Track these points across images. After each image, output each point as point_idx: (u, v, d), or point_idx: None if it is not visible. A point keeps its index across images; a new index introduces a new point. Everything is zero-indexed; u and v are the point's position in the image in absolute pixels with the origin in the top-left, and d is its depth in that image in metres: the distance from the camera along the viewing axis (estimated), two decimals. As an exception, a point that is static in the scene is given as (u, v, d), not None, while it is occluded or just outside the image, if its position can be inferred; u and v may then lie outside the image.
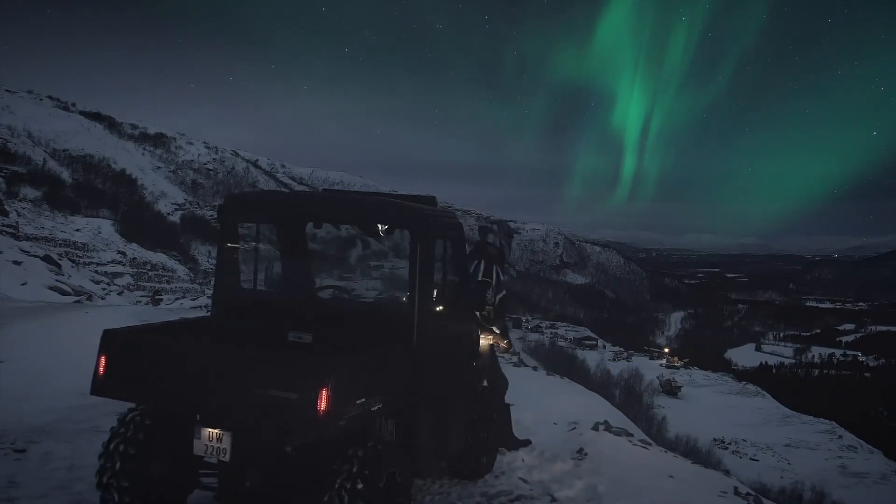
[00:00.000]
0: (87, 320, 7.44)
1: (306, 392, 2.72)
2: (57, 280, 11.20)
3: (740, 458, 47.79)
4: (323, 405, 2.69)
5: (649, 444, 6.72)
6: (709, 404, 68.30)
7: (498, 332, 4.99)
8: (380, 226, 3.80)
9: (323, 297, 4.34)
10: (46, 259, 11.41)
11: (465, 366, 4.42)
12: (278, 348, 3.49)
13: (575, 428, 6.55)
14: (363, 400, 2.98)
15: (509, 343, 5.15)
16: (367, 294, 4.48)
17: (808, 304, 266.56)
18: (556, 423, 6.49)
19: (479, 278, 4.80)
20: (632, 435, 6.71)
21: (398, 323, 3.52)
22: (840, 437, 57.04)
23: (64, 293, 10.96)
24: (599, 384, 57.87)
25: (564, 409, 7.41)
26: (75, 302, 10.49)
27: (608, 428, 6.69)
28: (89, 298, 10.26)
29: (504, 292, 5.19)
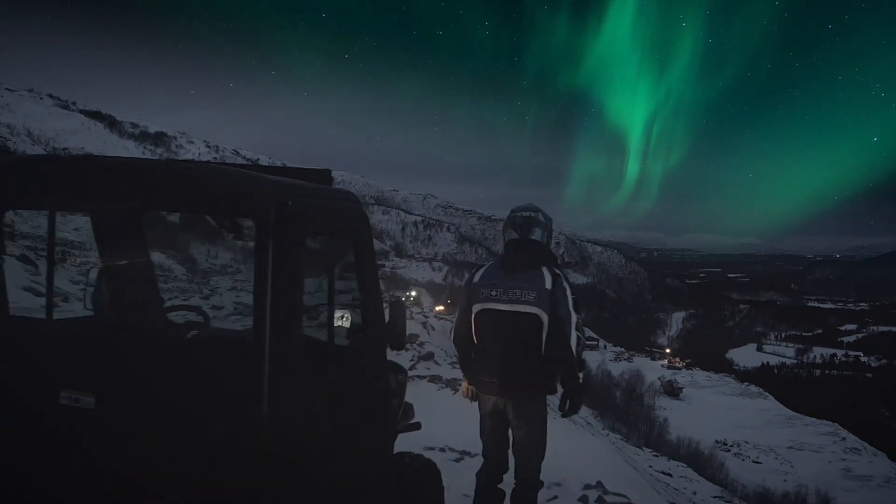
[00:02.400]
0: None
1: None
2: (32, 280, 10.75)
3: (742, 460, 47.36)
4: None
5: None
6: (711, 406, 67.86)
7: (580, 380, 3.06)
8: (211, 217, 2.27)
9: (174, 323, 2.90)
10: (23, 259, 10.93)
11: (374, 432, 2.78)
12: (33, 421, 2.04)
13: (556, 497, 4.87)
14: None
15: (580, 400, 3.13)
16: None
17: (809, 304, 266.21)
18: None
19: (570, 297, 2.96)
20: (633, 506, 5.17)
21: (238, 373, 1.98)
22: (843, 439, 56.59)
23: (38, 294, 10.50)
24: (600, 386, 57.54)
25: (547, 460, 5.74)
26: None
27: (602, 497, 5.00)
28: (65, 300, 9.79)
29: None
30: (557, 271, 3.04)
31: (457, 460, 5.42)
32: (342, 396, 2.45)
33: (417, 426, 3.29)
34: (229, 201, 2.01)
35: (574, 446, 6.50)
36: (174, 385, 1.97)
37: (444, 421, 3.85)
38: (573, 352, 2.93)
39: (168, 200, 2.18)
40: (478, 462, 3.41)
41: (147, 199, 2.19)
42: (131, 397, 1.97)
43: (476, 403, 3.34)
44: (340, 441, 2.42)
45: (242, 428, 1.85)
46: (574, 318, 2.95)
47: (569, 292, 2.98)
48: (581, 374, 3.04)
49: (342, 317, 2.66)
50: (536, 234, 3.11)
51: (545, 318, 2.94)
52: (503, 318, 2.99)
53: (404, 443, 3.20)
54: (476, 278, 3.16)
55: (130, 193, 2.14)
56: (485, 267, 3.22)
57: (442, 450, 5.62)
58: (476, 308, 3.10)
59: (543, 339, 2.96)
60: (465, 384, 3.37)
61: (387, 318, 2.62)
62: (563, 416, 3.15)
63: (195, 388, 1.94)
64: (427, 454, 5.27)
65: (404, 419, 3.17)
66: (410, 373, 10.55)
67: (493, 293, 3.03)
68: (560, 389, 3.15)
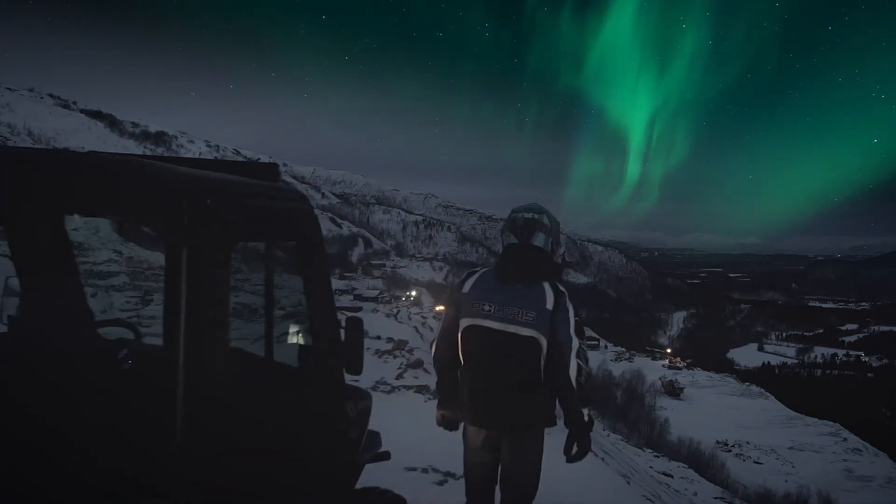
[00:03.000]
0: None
1: None
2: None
3: (744, 461, 47.23)
4: None
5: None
6: (712, 406, 67.76)
7: (586, 417, 2.55)
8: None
9: (104, 340, 2.49)
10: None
11: (325, 466, 2.30)
12: None
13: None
14: None
15: (588, 442, 2.59)
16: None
17: (810, 303, 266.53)
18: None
19: (572, 320, 2.54)
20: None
21: (149, 396, 1.64)
22: (845, 439, 56.48)
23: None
24: (601, 386, 57.48)
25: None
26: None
27: None
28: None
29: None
30: (561, 288, 2.59)
31: (440, 483, 4.95)
32: (284, 425, 2.03)
33: (385, 456, 2.86)
34: (133, 199, 1.61)
35: (568, 465, 5.64)
36: (76, 412, 1.62)
37: (430, 437, 3.35)
38: (572, 382, 2.47)
39: (63, 198, 1.75)
40: (462, 485, 3.03)
41: (43, 196, 1.75)
42: (22, 431, 1.59)
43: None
44: (280, 477, 1.96)
45: (150, 461, 1.47)
46: (575, 343, 2.50)
47: (571, 314, 2.53)
48: (587, 410, 2.54)
49: (290, 335, 2.27)
50: (539, 241, 2.66)
51: (544, 342, 2.51)
52: (498, 340, 2.54)
53: (382, 467, 2.92)
54: (466, 287, 2.68)
55: (30, 191, 1.72)
56: (477, 274, 2.73)
57: (424, 470, 5.13)
58: (465, 323, 2.64)
59: (542, 367, 2.54)
60: (441, 412, 2.83)
61: (343, 337, 2.23)
62: (568, 461, 2.63)
63: (100, 416, 1.60)
64: (408, 476, 4.87)
65: (369, 450, 2.71)
66: (396, 382, 9.66)
67: (487, 308, 2.58)
68: (558, 423, 2.70)
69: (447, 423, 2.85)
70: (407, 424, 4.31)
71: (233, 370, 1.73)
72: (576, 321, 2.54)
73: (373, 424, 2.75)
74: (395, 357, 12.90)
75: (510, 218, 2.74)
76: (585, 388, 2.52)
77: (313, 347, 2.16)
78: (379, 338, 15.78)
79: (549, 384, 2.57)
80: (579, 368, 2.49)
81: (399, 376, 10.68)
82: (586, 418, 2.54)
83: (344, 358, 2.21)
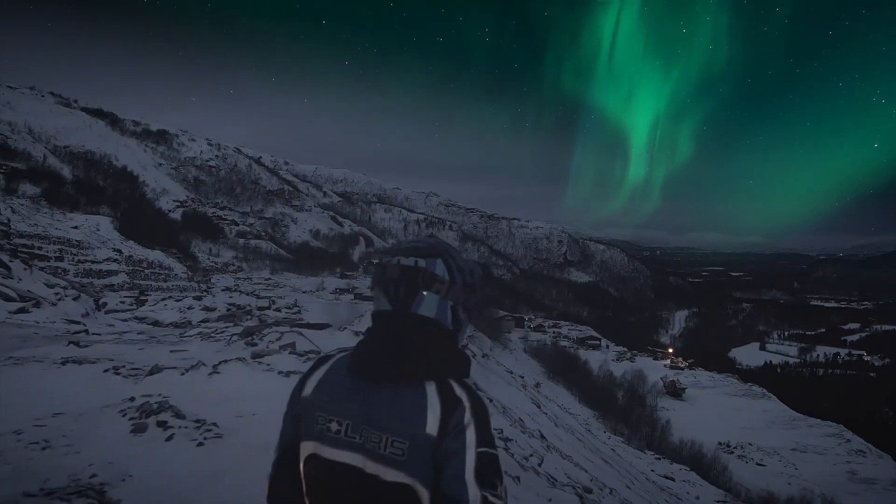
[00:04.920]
0: None
1: None
2: (2, 284, 10.23)
3: (746, 462, 46.88)
4: None
5: None
6: (714, 406, 67.39)
7: None
8: None
9: None
10: (-13, 259, 10.60)
11: None
12: None
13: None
14: None
15: None
16: None
17: (812, 303, 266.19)
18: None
19: (472, 453, 1.34)
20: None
21: None
22: (848, 441, 56.08)
23: (9, 299, 9.98)
24: (602, 387, 57.19)
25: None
26: (19, 310, 9.52)
27: None
28: (37, 304, 9.28)
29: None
30: (458, 393, 1.41)
31: None
32: None
33: None
34: None
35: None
36: None
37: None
38: None
39: None
40: None
41: None
42: None
43: None
44: None
45: None
46: (475, 497, 1.31)
47: (471, 441, 1.36)
48: None
49: None
50: (428, 306, 1.45)
51: (425, 494, 1.35)
52: (352, 486, 1.38)
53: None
54: (309, 388, 1.50)
55: None
56: (327, 364, 1.53)
57: None
58: (306, 449, 1.45)
59: None
60: None
61: None
62: None
63: None
64: None
65: None
66: None
67: (335, 427, 1.42)
68: None
69: None
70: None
71: None
72: (480, 454, 1.35)
73: None
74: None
75: (379, 266, 1.51)
76: None
77: None
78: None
79: None
80: None
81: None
82: None
83: None
